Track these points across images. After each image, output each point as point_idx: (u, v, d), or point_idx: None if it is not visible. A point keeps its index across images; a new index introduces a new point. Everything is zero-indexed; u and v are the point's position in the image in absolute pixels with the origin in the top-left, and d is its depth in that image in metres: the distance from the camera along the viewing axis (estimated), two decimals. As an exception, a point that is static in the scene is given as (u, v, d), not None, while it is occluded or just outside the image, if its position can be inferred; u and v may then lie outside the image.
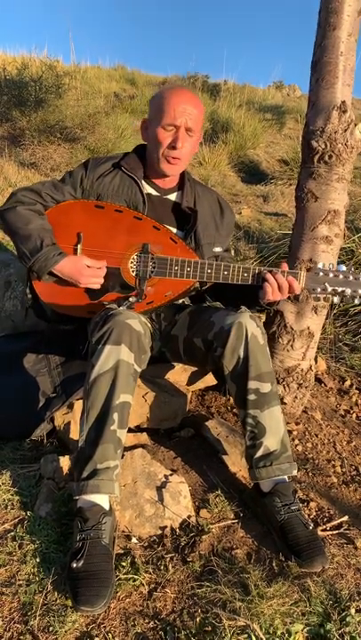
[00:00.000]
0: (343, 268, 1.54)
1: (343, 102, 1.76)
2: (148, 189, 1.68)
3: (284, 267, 1.55)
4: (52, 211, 1.59)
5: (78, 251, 1.56)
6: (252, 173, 5.98)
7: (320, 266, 1.55)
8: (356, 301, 1.55)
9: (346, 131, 1.76)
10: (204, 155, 5.71)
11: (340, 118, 1.76)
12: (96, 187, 1.64)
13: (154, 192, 1.70)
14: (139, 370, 1.37)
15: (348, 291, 1.53)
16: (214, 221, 1.74)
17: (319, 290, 1.54)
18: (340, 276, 1.53)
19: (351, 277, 1.53)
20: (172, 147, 1.57)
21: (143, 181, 1.67)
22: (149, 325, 1.43)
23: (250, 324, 1.45)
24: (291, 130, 7.45)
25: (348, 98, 1.77)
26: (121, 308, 1.43)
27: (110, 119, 5.34)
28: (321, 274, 1.54)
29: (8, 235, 1.58)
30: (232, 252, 1.85)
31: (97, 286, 1.55)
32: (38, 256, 1.48)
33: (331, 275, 1.53)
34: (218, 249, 1.73)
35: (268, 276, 1.50)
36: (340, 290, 1.53)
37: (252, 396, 1.44)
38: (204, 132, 1.64)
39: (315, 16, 1.80)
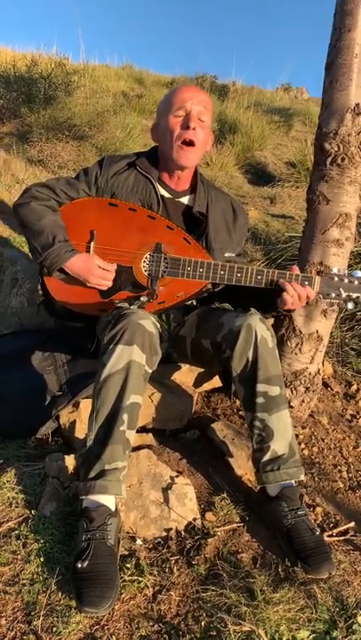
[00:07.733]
0: (359, 274, 1.52)
1: (357, 105, 1.74)
2: (160, 191, 1.66)
3: (295, 270, 1.54)
4: (66, 207, 1.58)
5: (91, 248, 1.55)
6: (259, 175, 5.96)
7: (335, 271, 1.53)
8: None
9: (359, 133, 1.75)
10: (211, 155, 5.69)
11: (354, 121, 1.75)
12: (110, 185, 1.63)
13: (166, 194, 1.68)
14: (150, 371, 1.36)
15: None
16: (226, 226, 1.72)
17: (333, 295, 1.52)
18: (356, 282, 1.52)
19: None
20: (186, 127, 1.56)
21: (156, 183, 1.66)
22: (159, 326, 1.42)
23: (259, 326, 1.44)
24: (298, 132, 7.42)
25: (362, 100, 1.76)
26: (132, 307, 1.42)
27: (118, 118, 5.33)
28: (336, 279, 1.52)
29: (21, 229, 1.58)
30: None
31: (104, 288, 1.54)
32: (50, 252, 1.47)
33: (346, 280, 1.52)
34: (230, 254, 1.72)
35: (288, 286, 1.49)
36: (354, 296, 1.52)
37: (260, 399, 1.43)
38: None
39: (326, 20, 1.80)
